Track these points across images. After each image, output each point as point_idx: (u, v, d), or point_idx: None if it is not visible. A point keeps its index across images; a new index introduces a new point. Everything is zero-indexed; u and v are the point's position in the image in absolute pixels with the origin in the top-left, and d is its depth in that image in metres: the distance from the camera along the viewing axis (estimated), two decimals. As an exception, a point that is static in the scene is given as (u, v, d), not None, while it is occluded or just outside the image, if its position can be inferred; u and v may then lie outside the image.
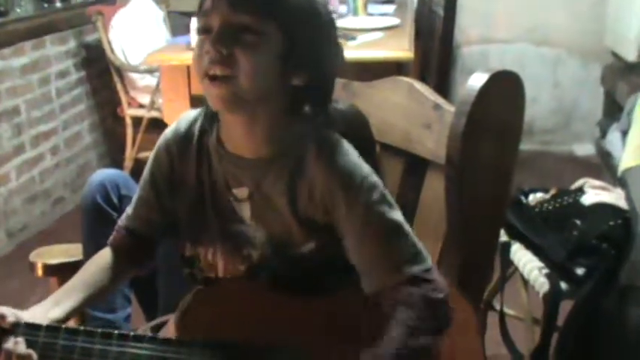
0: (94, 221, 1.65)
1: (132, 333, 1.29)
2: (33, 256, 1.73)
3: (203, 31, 1.22)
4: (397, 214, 1.28)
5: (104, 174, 1.70)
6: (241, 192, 1.33)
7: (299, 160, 1.28)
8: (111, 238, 1.46)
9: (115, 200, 1.66)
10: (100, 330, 1.26)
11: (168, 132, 1.40)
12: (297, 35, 1.23)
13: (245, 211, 1.34)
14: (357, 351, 1.21)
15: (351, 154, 1.29)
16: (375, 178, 1.28)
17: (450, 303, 1.25)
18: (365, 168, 1.28)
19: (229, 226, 1.35)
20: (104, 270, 1.42)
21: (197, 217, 1.38)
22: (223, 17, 1.20)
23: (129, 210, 1.46)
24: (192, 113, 1.40)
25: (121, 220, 1.47)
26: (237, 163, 1.32)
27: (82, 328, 1.28)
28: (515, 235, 2.09)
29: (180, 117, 1.41)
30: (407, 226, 1.28)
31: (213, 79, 1.20)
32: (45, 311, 1.32)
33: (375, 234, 1.25)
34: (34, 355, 1.23)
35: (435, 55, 3.53)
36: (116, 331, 1.26)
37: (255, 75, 1.21)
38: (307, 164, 1.27)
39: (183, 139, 1.37)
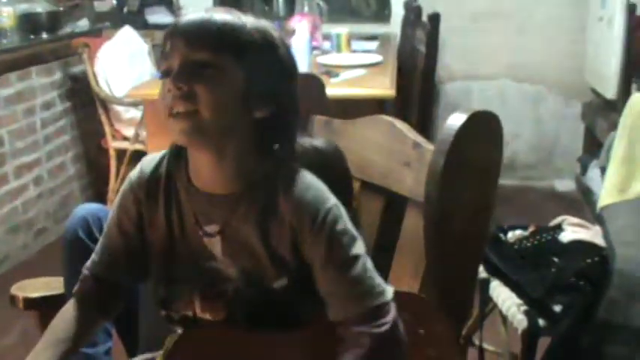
0: (76, 255, 1.64)
1: None
2: (14, 290, 1.72)
3: (166, 73, 1.25)
4: (359, 247, 1.29)
5: (86, 208, 1.70)
6: (212, 229, 1.33)
7: (268, 196, 1.29)
8: (76, 288, 1.44)
9: (97, 234, 1.66)
10: None
11: (132, 177, 1.40)
12: (255, 69, 1.26)
13: (216, 247, 1.34)
14: None
15: (316, 187, 1.30)
16: (340, 210, 1.29)
17: (402, 334, 1.27)
18: (330, 200, 1.29)
19: (202, 264, 1.35)
20: (73, 325, 1.40)
21: (168, 258, 1.38)
22: (182, 56, 1.22)
23: (94, 257, 1.44)
24: (155, 156, 1.40)
25: (86, 269, 1.44)
26: (207, 201, 1.32)
27: None
28: (494, 271, 2.10)
29: (142, 161, 1.41)
30: (368, 260, 1.29)
31: (176, 115, 1.22)
32: None
33: (335, 265, 1.27)
34: None
35: (416, 92, 3.57)
36: None
37: (216, 108, 1.23)
38: (276, 200, 1.29)
39: (149, 182, 1.37)
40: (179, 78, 1.22)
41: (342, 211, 1.30)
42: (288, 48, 1.34)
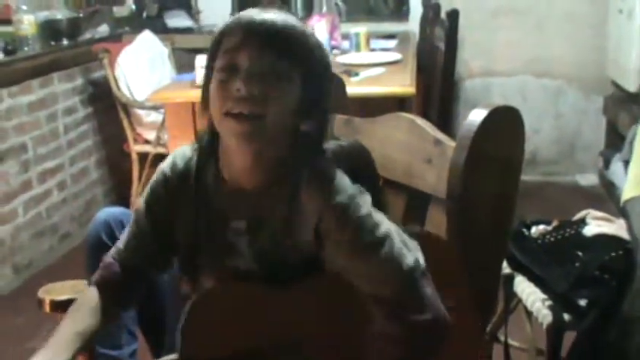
0: (99, 258, 1.66)
1: None
2: (41, 293, 1.74)
3: (228, 68, 1.24)
4: (386, 228, 1.28)
5: (108, 212, 1.72)
6: (238, 224, 1.35)
7: (294, 189, 1.30)
8: (96, 276, 1.45)
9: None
10: None
11: (165, 168, 1.41)
12: (312, 82, 1.28)
13: (242, 244, 1.35)
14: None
15: (339, 177, 1.30)
16: (363, 196, 1.29)
17: (440, 318, 1.26)
18: (353, 187, 1.29)
19: (225, 260, 1.37)
20: (93, 313, 1.41)
21: (192, 253, 1.39)
22: (254, 57, 1.23)
23: (119, 245, 1.46)
24: (187, 149, 1.42)
25: (111, 256, 1.46)
26: (236, 196, 1.34)
27: None
28: (518, 267, 2.10)
29: (175, 153, 1.43)
30: (397, 241, 1.28)
31: (237, 116, 1.22)
32: None
33: (363, 249, 1.26)
34: None
35: (437, 89, 3.56)
36: None
37: (282, 116, 1.25)
38: (301, 192, 1.29)
39: (181, 176, 1.39)
40: (252, 80, 1.22)
41: (366, 197, 1.30)
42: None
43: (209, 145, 1.36)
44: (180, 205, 1.39)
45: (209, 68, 1.30)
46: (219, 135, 1.31)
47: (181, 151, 1.43)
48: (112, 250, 1.47)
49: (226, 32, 1.27)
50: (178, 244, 1.41)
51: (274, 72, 1.23)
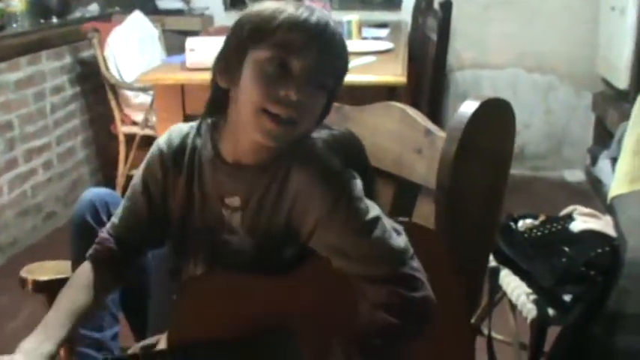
0: (83, 240, 1.64)
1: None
2: (24, 272, 1.72)
3: (278, 65, 1.24)
4: (376, 211, 1.29)
5: (94, 193, 1.70)
6: (233, 201, 1.36)
7: (288, 168, 1.31)
8: (91, 251, 1.45)
9: (105, 219, 1.66)
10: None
11: (161, 143, 1.42)
12: (337, 90, 1.33)
13: (235, 220, 1.36)
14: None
15: (332, 159, 1.32)
16: (355, 180, 1.30)
17: (431, 298, 1.27)
18: (345, 171, 1.31)
19: (216, 236, 1.38)
20: (88, 290, 1.41)
21: (182, 229, 1.41)
22: (309, 65, 1.24)
23: (114, 220, 1.47)
24: (184, 127, 1.43)
25: (105, 231, 1.46)
26: (232, 173, 1.35)
27: None
28: (504, 260, 2.10)
29: (171, 130, 1.44)
30: (387, 222, 1.29)
31: (274, 117, 1.24)
32: (37, 347, 1.29)
33: (355, 230, 1.26)
34: None
35: (427, 80, 3.55)
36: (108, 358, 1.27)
37: (312, 122, 1.30)
38: (293, 171, 1.30)
39: (177, 151, 1.40)
40: (303, 89, 1.23)
41: (358, 181, 1.30)
42: None
43: (212, 124, 1.38)
44: (175, 180, 1.40)
45: (240, 43, 1.28)
46: (227, 110, 1.33)
47: (178, 127, 1.44)
48: (107, 225, 1.48)
49: (283, 26, 1.24)
50: (171, 220, 1.42)
51: (321, 84, 1.27)
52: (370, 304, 1.26)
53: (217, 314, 1.31)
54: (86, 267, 1.44)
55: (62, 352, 1.55)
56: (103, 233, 1.46)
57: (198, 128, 1.40)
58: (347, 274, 1.28)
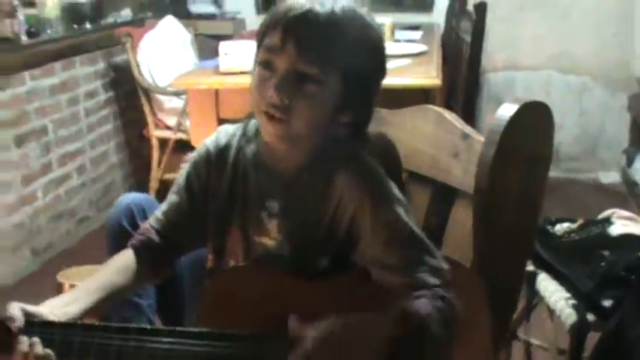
0: (119, 244, 1.65)
1: (149, 327, 1.29)
2: (60, 277, 1.74)
3: (266, 65, 1.27)
4: (419, 231, 1.31)
5: (130, 197, 1.71)
6: (273, 206, 1.37)
7: (330, 175, 1.32)
8: (133, 240, 1.47)
9: (141, 224, 1.67)
10: (115, 325, 1.27)
11: (208, 142, 1.45)
12: (357, 81, 1.29)
13: (273, 225, 1.38)
14: None
15: (379, 170, 1.33)
16: (399, 194, 1.32)
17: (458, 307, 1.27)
18: (390, 184, 1.32)
19: (254, 239, 1.40)
20: (124, 272, 1.43)
21: (223, 229, 1.43)
22: (290, 63, 1.24)
23: (157, 214, 1.48)
24: (231, 128, 1.46)
25: (148, 223, 1.49)
26: (273, 177, 1.36)
27: (97, 323, 1.30)
28: (542, 264, 2.07)
29: (219, 130, 1.47)
30: (429, 242, 1.31)
31: (270, 117, 1.26)
32: (62, 305, 1.32)
33: (399, 243, 1.28)
34: (53, 356, 1.23)
35: (461, 82, 3.53)
36: (133, 325, 1.28)
37: (309, 122, 1.28)
38: (337, 178, 1.31)
39: (222, 151, 1.42)
40: (283, 89, 1.24)
41: (401, 196, 1.32)
42: (384, 44, 1.36)
43: (254, 125, 1.40)
44: (218, 179, 1.42)
45: (257, 54, 1.32)
46: None
47: (225, 128, 1.47)
48: (151, 218, 1.50)
49: (269, 26, 1.28)
50: (212, 219, 1.44)
51: (307, 80, 1.25)
52: (401, 314, 1.24)
53: (241, 311, 1.31)
54: (127, 253, 1.46)
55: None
56: (146, 224, 1.48)
57: (245, 129, 1.42)
58: (385, 285, 1.28)
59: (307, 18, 1.24)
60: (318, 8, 1.25)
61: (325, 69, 1.25)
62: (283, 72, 1.24)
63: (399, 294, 1.26)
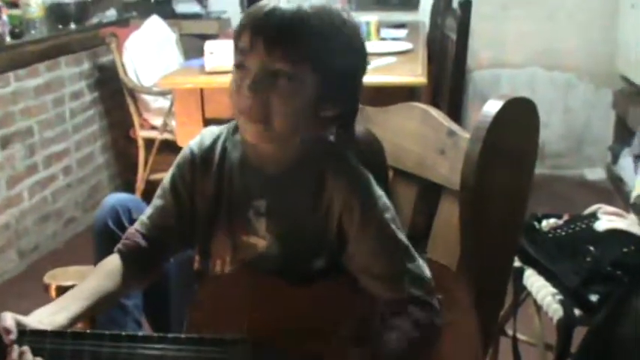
0: (106, 245, 1.64)
1: (140, 334, 1.29)
2: (47, 278, 1.73)
3: (240, 67, 1.27)
4: (405, 238, 1.33)
5: (116, 198, 1.70)
6: (261, 205, 1.37)
7: (319, 175, 1.33)
8: (120, 245, 1.46)
9: (127, 224, 1.66)
10: (107, 332, 1.26)
11: (192, 144, 1.44)
12: (332, 74, 1.27)
13: (261, 224, 1.38)
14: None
15: (367, 175, 1.34)
16: (388, 201, 1.34)
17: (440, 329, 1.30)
18: (379, 190, 1.34)
19: (242, 239, 1.39)
20: (112, 278, 1.42)
21: (209, 230, 1.42)
22: (260, 62, 1.24)
23: (143, 218, 1.47)
24: (216, 129, 1.45)
25: (134, 227, 1.47)
26: (259, 177, 1.36)
27: (88, 331, 1.29)
28: (529, 260, 2.08)
29: (203, 132, 1.46)
30: (413, 250, 1.33)
31: (249, 118, 1.26)
32: (50, 314, 1.31)
33: (385, 251, 1.31)
34: None
35: (447, 79, 3.53)
36: (124, 333, 1.27)
37: (287, 117, 1.26)
38: (326, 179, 1.32)
39: (207, 152, 1.42)
40: (257, 88, 1.24)
41: (389, 202, 1.34)
42: (362, 39, 1.35)
43: (237, 128, 1.39)
44: (204, 181, 1.41)
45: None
46: None
47: (210, 129, 1.46)
48: (136, 222, 1.48)
49: (240, 28, 1.27)
50: (199, 220, 1.43)
51: (280, 76, 1.24)
52: (388, 325, 1.28)
53: (233, 314, 1.31)
54: (114, 258, 1.45)
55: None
56: (132, 229, 1.47)
57: (230, 130, 1.42)
58: (372, 294, 1.30)
59: (274, 15, 1.23)
60: (285, 6, 1.24)
61: (296, 64, 1.24)
62: (255, 72, 1.24)
63: (384, 305, 1.30)
